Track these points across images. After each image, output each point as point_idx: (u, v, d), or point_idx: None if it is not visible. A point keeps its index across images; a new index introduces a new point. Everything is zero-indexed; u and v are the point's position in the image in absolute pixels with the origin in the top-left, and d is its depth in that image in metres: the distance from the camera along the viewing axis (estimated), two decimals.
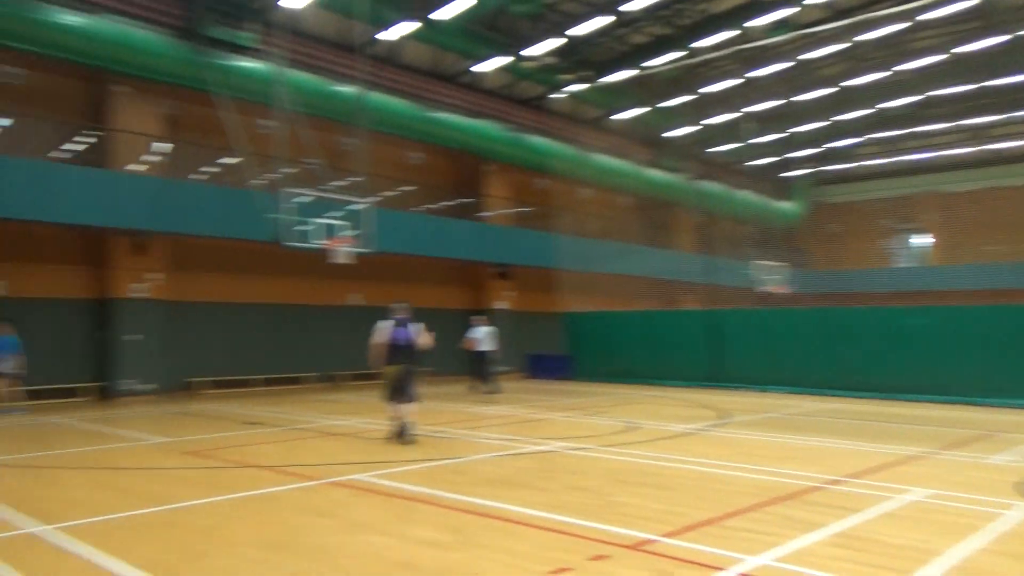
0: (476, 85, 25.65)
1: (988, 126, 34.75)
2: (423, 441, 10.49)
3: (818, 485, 7.42)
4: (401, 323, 10.50)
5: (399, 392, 10.34)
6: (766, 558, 5.01)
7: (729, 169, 37.39)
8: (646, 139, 32.10)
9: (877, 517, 6.18)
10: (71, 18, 16.15)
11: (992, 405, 14.95)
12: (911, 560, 5.02)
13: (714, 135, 32.71)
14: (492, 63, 22.88)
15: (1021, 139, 34.68)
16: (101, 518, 6.23)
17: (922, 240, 38.92)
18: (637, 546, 5.32)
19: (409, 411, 10.37)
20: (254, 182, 17.21)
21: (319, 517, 6.21)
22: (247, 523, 6.04)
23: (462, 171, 26.42)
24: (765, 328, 19.17)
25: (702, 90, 28.53)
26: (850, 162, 39.94)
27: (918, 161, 38.42)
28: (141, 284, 17.94)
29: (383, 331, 10.42)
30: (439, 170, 26.25)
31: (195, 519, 6.19)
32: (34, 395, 16.61)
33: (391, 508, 6.54)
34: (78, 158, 18.34)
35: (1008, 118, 33.15)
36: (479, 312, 22.61)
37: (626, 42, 25.93)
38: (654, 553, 5.17)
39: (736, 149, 35.00)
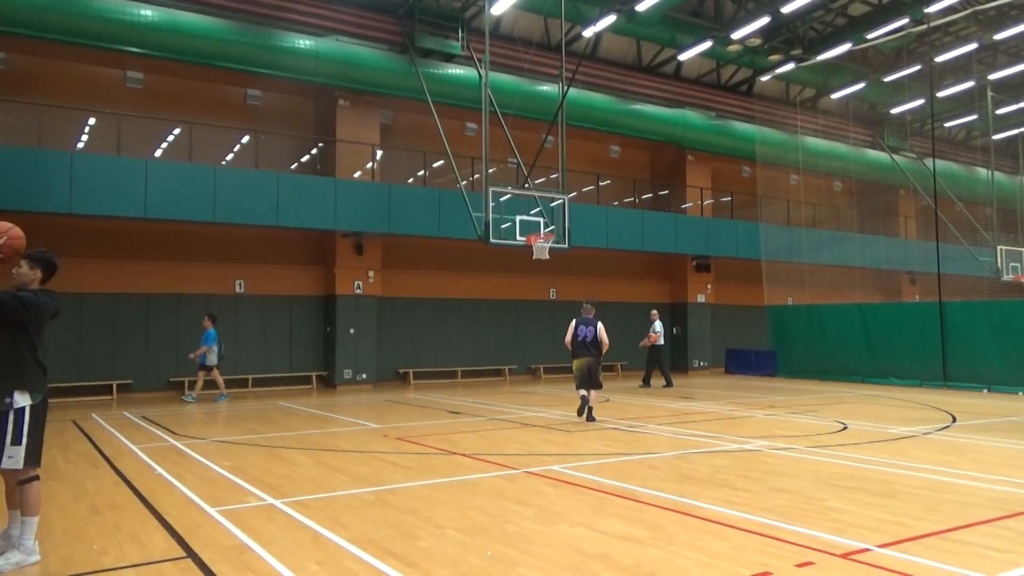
0: (678, 74, 25.08)
1: None
2: (618, 435, 10.50)
3: None
4: (585, 321, 11.83)
5: (584, 380, 11.75)
6: None
7: (965, 145, 33.58)
8: (865, 118, 29.66)
9: None
10: (304, 42, 17.89)
11: None
12: None
13: (947, 109, 29.48)
14: (695, 50, 22.22)
15: None
16: (323, 495, 6.87)
17: None
18: (848, 555, 4.95)
19: (593, 396, 11.85)
20: (461, 183, 18.08)
21: (517, 505, 6.40)
22: (450, 507, 6.37)
23: (662, 162, 26.04)
24: (1005, 322, 17.01)
25: (933, 60, 25.77)
26: None
27: None
28: (363, 282, 19.51)
29: (570, 328, 11.94)
30: (638, 162, 26.07)
31: (404, 501, 6.62)
32: (267, 382, 18.72)
33: (586, 500, 6.59)
34: (306, 168, 20.31)
35: None
36: (656, 306, 22.17)
37: (843, 13, 24.08)
38: (868, 564, 4.78)
39: (974, 122, 31.29)
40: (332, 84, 18.85)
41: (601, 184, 23.79)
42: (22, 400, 4.84)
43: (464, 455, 8.96)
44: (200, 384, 16.01)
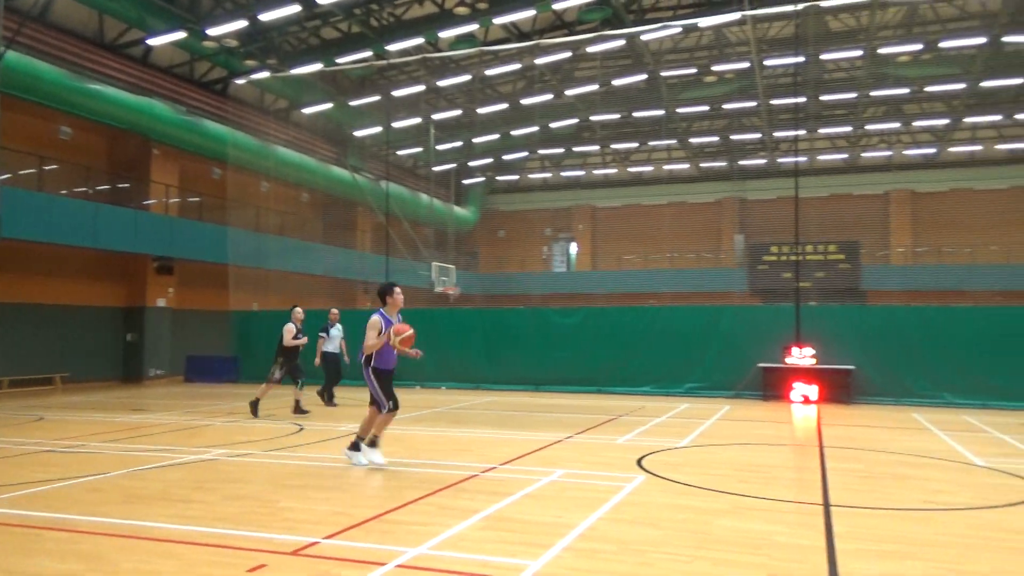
0: (146, 60, 23.26)
1: (630, 152, 40.32)
2: (53, 458, 9.24)
3: (475, 473, 7.96)
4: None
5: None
6: (424, 548, 5.22)
7: (413, 172, 38.43)
8: (332, 136, 31.74)
9: (522, 499, 6.80)
10: None
11: (622, 393, 17.47)
12: (548, 534, 5.58)
13: (400, 138, 33.40)
14: (166, 37, 20.81)
15: (657, 163, 40.58)
16: None
17: (576, 248, 43.70)
18: (298, 551, 5.21)
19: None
20: None
21: None
22: None
23: (123, 152, 23.68)
24: (436, 327, 19.97)
25: (390, 93, 28.99)
26: (519, 173, 43.39)
27: (575, 178, 43.07)
28: None
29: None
30: (94, 149, 23.24)
31: None
32: None
33: (11, 540, 5.59)
34: None
35: (648, 147, 38.92)
36: (109, 311, 20.50)
37: (317, 35, 25.39)
38: (315, 556, 5.11)
39: (419, 154, 36.07)
40: None
41: (45, 168, 20.63)
42: None
43: None
44: None
